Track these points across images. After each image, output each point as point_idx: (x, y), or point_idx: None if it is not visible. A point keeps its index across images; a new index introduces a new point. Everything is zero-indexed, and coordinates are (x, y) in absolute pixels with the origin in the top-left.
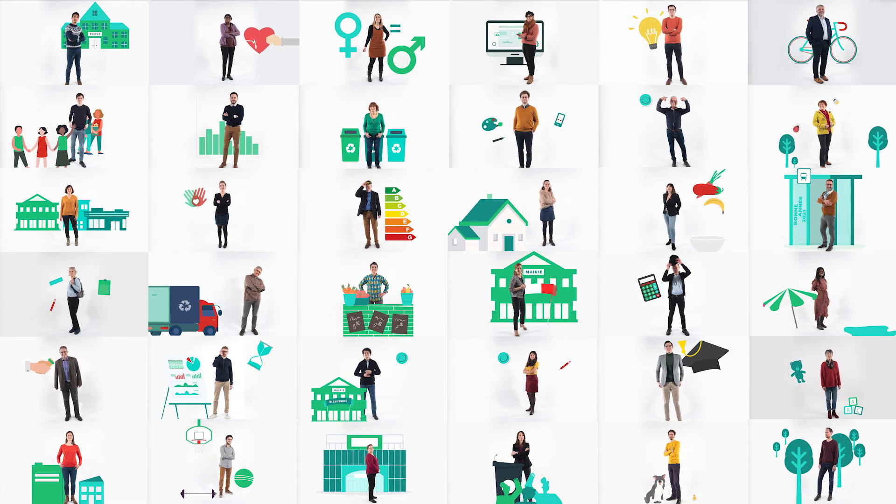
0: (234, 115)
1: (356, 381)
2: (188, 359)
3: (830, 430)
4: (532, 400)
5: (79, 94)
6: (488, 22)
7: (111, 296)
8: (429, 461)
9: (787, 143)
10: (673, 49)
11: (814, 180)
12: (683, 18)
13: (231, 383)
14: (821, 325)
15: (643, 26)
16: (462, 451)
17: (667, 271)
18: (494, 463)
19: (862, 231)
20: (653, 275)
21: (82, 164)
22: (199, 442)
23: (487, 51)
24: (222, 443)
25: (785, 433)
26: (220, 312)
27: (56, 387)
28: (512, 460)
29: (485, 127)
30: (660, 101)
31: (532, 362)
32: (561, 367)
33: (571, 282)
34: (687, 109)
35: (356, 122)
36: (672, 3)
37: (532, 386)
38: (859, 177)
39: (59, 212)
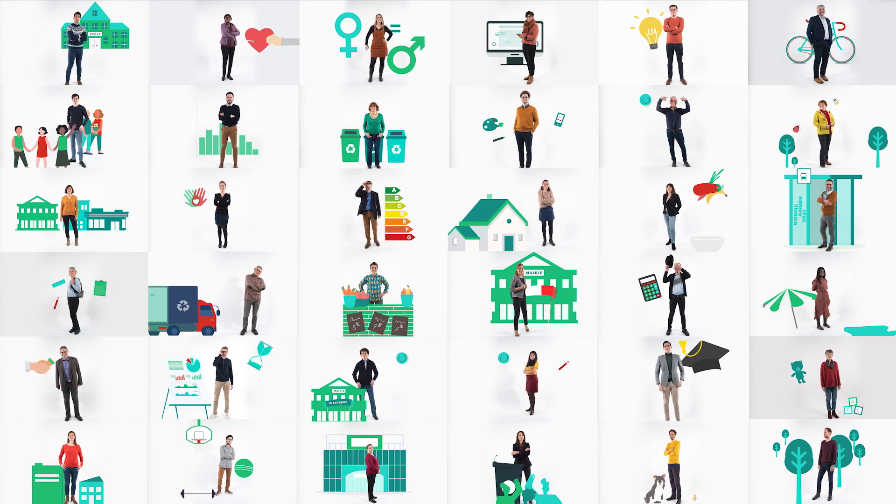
0: (230, 114)
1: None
2: (188, 360)
3: (829, 431)
4: (532, 400)
5: (74, 95)
6: (488, 22)
7: (109, 296)
8: (429, 461)
9: (786, 144)
10: (674, 49)
11: (814, 180)
12: (684, 18)
13: (231, 383)
14: (823, 325)
15: (644, 26)
16: (462, 451)
17: (666, 272)
18: (494, 463)
19: (862, 231)
20: (653, 275)
21: (82, 163)
22: (199, 442)
23: (488, 51)
24: (222, 443)
25: (785, 434)
26: (218, 312)
27: (57, 387)
28: (512, 461)
29: (486, 127)
30: (660, 100)
31: (532, 362)
32: (560, 368)
33: (571, 283)
34: (687, 109)
35: (356, 122)
36: (674, 2)
37: (532, 386)
38: (859, 177)
39: (59, 212)
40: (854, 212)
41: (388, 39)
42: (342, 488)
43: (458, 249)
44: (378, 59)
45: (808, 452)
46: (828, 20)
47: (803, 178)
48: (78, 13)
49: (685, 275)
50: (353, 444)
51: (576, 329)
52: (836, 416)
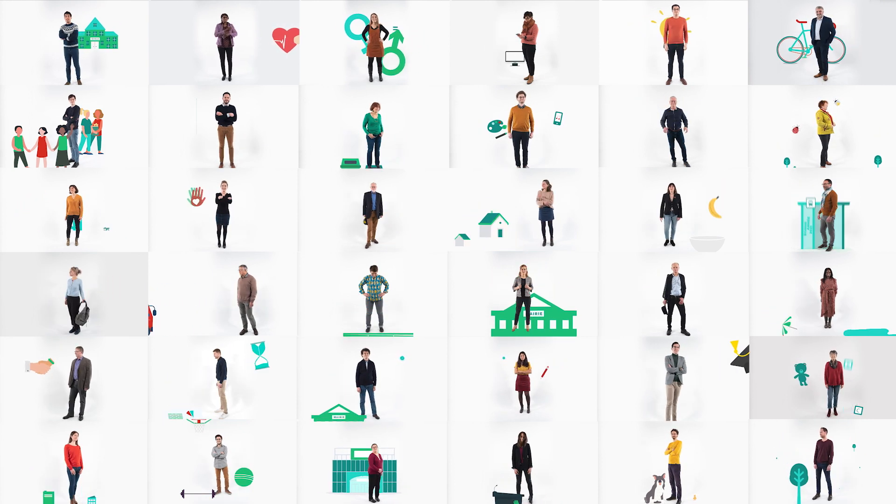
0: (226, 114)
1: (357, 385)
2: (188, 412)
3: (826, 431)
4: (526, 399)
5: (71, 96)
6: (507, 52)
7: (109, 296)
8: (428, 461)
9: (787, 162)
10: (675, 49)
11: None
12: (686, 19)
13: (222, 381)
14: (827, 325)
15: (664, 26)
16: (462, 451)
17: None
18: (494, 493)
19: (862, 232)
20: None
21: (75, 163)
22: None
23: (506, 61)
24: (213, 443)
25: (794, 468)
26: (154, 312)
27: (69, 384)
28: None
29: (490, 129)
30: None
31: (524, 362)
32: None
33: (571, 323)
34: (685, 122)
35: (356, 121)
36: (676, 3)
37: (523, 385)
38: (847, 203)
39: (65, 211)
40: (844, 222)
41: (385, 39)
42: (346, 490)
43: (458, 247)
44: (376, 59)
45: (805, 471)
46: (825, 20)
47: (811, 205)
48: (68, 13)
49: (682, 277)
50: (356, 456)
51: (576, 329)
52: (836, 414)
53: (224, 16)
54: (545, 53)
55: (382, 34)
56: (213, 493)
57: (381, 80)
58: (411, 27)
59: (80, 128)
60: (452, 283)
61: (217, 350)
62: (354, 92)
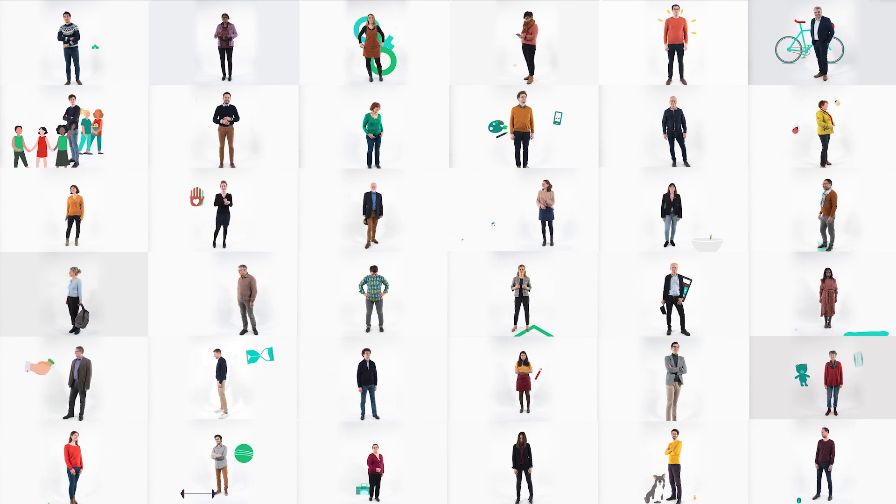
0: (226, 115)
1: (358, 385)
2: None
3: (827, 431)
4: (526, 399)
5: (71, 96)
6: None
7: (109, 296)
8: (429, 461)
9: (787, 154)
10: (675, 49)
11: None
12: (686, 19)
13: (222, 382)
14: (827, 325)
15: (664, 26)
16: (462, 451)
17: (669, 275)
18: None
19: (862, 232)
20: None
21: (75, 163)
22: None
23: (514, 65)
24: (213, 444)
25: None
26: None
27: (69, 384)
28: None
29: (491, 129)
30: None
31: (525, 362)
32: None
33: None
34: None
35: (356, 121)
36: (676, 2)
37: (524, 385)
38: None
39: (66, 211)
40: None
41: (382, 41)
42: (357, 492)
43: (458, 249)
44: (374, 60)
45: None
46: (823, 19)
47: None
48: (67, 13)
49: (681, 277)
50: (362, 485)
51: (576, 329)
52: (836, 414)
53: (224, 16)
54: (545, 53)
55: (380, 35)
56: (213, 493)
57: (381, 79)
58: (411, 27)
59: (80, 128)
60: (452, 283)
61: (217, 350)
62: (354, 92)
